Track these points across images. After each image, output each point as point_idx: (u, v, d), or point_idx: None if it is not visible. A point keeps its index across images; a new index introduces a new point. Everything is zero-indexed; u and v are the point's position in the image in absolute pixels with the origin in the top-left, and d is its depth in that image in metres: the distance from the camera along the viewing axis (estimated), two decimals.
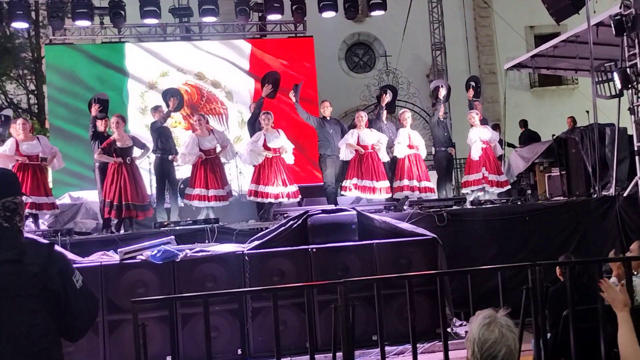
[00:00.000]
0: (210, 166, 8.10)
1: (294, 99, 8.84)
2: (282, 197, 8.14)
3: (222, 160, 8.48)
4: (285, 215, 7.19)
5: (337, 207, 7.08)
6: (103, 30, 13.14)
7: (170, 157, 8.48)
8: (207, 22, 12.74)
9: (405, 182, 8.48)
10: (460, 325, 6.34)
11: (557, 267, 4.53)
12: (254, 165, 8.33)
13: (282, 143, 8.26)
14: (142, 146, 8.22)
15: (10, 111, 9.32)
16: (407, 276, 3.72)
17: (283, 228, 6.36)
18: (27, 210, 7.32)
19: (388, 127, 9.04)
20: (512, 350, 1.95)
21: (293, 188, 8.25)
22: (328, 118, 8.97)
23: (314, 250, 6.07)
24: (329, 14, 12.19)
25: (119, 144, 7.85)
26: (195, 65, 13.29)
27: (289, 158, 8.38)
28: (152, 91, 12.95)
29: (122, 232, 7.68)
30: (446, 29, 15.55)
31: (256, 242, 6.25)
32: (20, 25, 12.10)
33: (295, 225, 6.34)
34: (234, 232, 6.91)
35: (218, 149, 8.30)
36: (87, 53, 12.89)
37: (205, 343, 3.15)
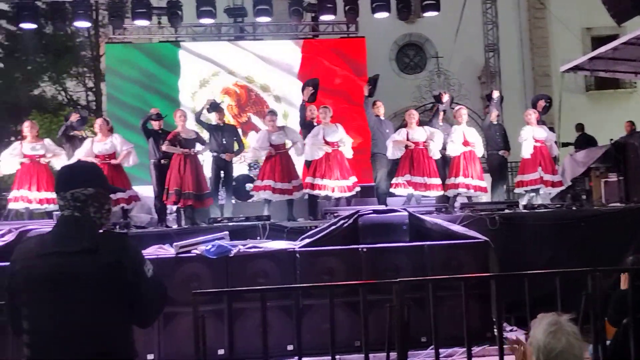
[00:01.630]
0: (279, 160, 8.24)
1: (367, 92, 8.86)
2: (337, 191, 8.20)
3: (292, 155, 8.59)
4: (335, 214, 7.23)
5: (389, 207, 7.08)
6: (160, 29, 13.49)
7: (223, 155, 8.67)
8: (260, 22, 12.93)
9: (460, 179, 8.38)
10: (511, 330, 6.27)
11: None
12: (312, 160, 8.41)
13: (341, 136, 8.33)
14: (204, 142, 8.48)
15: (87, 112, 9.82)
16: (463, 278, 3.70)
17: (334, 227, 6.40)
18: None
19: (444, 129, 8.99)
20: (578, 358, 1.92)
21: (348, 182, 8.27)
22: (382, 118, 9.02)
23: (365, 250, 6.09)
24: (381, 15, 12.20)
25: (183, 136, 8.16)
26: (246, 67, 13.55)
27: (348, 151, 8.42)
28: (203, 91, 13.27)
29: (176, 226, 7.91)
30: (500, 30, 15.33)
31: (307, 240, 6.31)
32: (82, 24, 12.57)
33: (346, 224, 6.37)
34: (285, 230, 7.00)
35: (288, 145, 8.43)
36: (144, 52, 13.31)
37: (262, 338, 3.22)
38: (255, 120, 13.67)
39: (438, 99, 9.38)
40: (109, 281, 2.23)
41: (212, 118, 9.17)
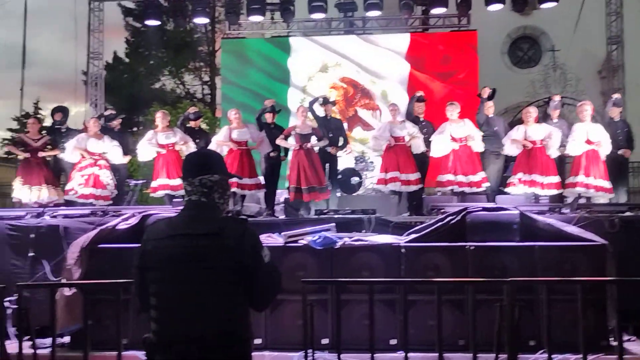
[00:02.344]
0: (401, 152, 8.32)
1: (486, 95, 8.88)
2: (466, 186, 8.23)
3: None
4: (442, 210, 7.13)
5: (498, 205, 6.88)
6: (273, 25, 13.89)
7: (329, 149, 8.80)
8: (371, 16, 12.95)
9: (580, 178, 8.01)
10: (629, 340, 5.91)
11: None
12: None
13: (469, 132, 8.31)
14: (321, 137, 8.65)
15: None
16: (581, 281, 3.54)
17: (440, 223, 6.30)
18: (231, 190, 8.14)
19: (559, 125, 8.62)
20: None
21: (477, 178, 8.27)
22: (491, 115, 8.84)
23: (472, 247, 5.96)
24: (495, 7, 11.86)
25: (298, 130, 8.41)
26: (355, 61, 13.62)
27: (477, 146, 8.41)
28: (311, 85, 13.55)
29: (283, 216, 8.15)
30: (625, 21, 14.34)
31: (413, 235, 6.26)
32: (200, 20, 13.23)
33: (454, 221, 6.24)
34: (390, 224, 6.99)
35: (407, 139, 8.50)
36: (257, 47, 13.78)
37: (369, 330, 3.26)
38: (362, 114, 13.74)
39: (547, 102, 9.19)
40: (231, 263, 2.35)
41: (320, 111, 9.34)
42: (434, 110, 12.39)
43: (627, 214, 7.12)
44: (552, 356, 5.24)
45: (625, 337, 5.95)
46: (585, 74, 15.83)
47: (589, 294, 5.41)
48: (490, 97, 8.93)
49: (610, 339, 5.66)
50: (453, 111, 8.41)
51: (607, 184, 8.14)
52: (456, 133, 8.31)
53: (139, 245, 2.51)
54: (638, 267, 6.32)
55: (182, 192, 8.40)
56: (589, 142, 8.11)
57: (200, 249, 2.35)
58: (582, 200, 8.09)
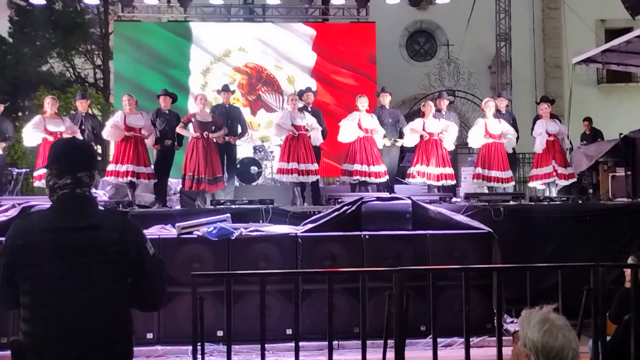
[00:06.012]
0: (300, 142, 8.28)
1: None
2: (373, 177, 8.35)
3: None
4: (339, 200, 7.21)
5: (392, 195, 7.05)
6: (169, 9, 13.43)
7: (228, 138, 8.63)
8: (270, 4, 12.83)
9: (478, 170, 8.52)
10: (511, 322, 6.26)
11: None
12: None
13: (375, 125, 8.53)
14: (221, 126, 8.44)
15: None
16: (464, 268, 3.67)
17: (337, 213, 6.38)
18: (127, 179, 7.86)
19: (448, 118, 8.99)
20: (575, 350, 1.91)
21: (380, 169, 8.42)
22: (387, 107, 9.03)
23: (367, 237, 6.07)
24: (393, 0, 12.08)
25: (199, 118, 8.16)
26: (257, 47, 13.47)
27: (379, 140, 8.57)
28: (214, 68, 13.29)
29: (178, 207, 7.91)
30: (512, 19, 15.15)
31: (310, 225, 6.29)
32: (91, 1, 12.51)
33: (349, 211, 6.34)
34: (288, 214, 6.98)
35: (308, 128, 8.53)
36: (153, 31, 13.26)
37: (260, 321, 3.21)
38: (266, 98, 13.64)
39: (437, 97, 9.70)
40: (115, 257, 2.25)
41: (219, 99, 9.17)
42: (338, 99, 12.59)
43: (512, 202, 7.54)
44: (440, 340, 5.44)
45: (509, 320, 6.31)
46: (477, 68, 16.53)
47: (476, 280, 5.67)
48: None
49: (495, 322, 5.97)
50: (364, 103, 8.60)
51: (508, 174, 8.60)
52: (365, 123, 8.47)
53: (4, 240, 2.30)
54: (521, 253, 6.73)
55: None
56: (491, 135, 8.53)
57: (80, 243, 2.22)
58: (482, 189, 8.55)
